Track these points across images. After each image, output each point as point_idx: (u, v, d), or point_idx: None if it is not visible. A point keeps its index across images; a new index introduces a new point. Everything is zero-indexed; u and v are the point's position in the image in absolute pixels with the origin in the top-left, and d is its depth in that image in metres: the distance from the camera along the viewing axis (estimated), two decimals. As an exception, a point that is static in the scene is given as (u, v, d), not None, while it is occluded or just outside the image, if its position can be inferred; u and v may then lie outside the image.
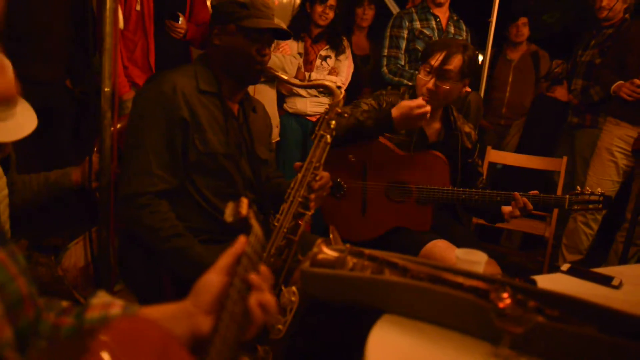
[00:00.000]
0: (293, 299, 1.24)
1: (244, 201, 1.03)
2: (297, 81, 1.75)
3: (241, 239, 0.81)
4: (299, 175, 1.38)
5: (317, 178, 1.37)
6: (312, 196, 1.35)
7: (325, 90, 1.43)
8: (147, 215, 1.42)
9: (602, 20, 3.08)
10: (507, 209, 1.90)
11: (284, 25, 1.69)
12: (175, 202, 1.49)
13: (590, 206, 1.88)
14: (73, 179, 1.52)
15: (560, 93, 3.28)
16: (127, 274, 1.58)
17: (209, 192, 1.52)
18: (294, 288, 1.25)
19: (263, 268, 0.79)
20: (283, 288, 1.25)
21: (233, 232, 0.91)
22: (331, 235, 1.30)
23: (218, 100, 1.55)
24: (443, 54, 1.85)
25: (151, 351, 0.61)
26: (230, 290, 0.75)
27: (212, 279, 0.77)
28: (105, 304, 0.78)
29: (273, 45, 2.84)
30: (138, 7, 2.22)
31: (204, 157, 1.49)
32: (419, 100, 1.78)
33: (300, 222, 1.35)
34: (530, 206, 1.82)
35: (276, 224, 1.35)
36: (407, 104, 1.78)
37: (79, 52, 2.58)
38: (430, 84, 1.86)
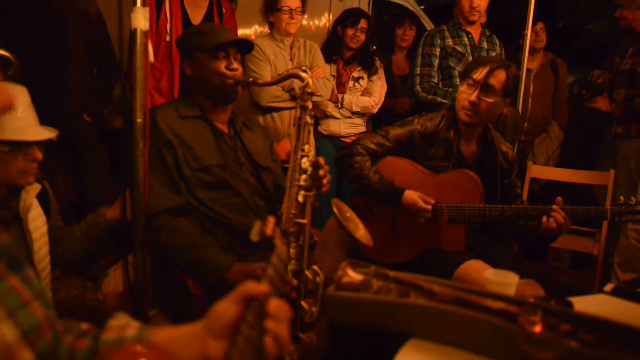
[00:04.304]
0: (318, 279, 1.26)
1: (271, 221, 1.04)
2: (267, 79, 1.81)
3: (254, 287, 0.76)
4: (290, 160, 1.40)
5: (310, 158, 1.38)
6: (311, 173, 1.36)
7: (293, 76, 1.48)
8: (163, 235, 1.53)
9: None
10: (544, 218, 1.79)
11: (251, 40, 1.81)
12: (194, 220, 1.59)
13: None
14: (108, 217, 1.57)
15: (603, 104, 3.13)
16: (161, 299, 1.62)
17: (215, 204, 1.61)
18: (315, 268, 1.27)
19: (281, 303, 0.76)
20: (306, 272, 1.27)
21: (255, 246, 0.92)
22: (335, 209, 1.29)
23: (203, 121, 1.68)
24: (487, 68, 1.85)
25: None
26: (246, 316, 0.74)
27: (227, 308, 0.75)
28: (121, 326, 0.80)
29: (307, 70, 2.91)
30: (168, 38, 2.33)
31: (199, 173, 1.60)
32: (429, 207, 1.83)
33: (306, 204, 1.35)
34: (569, 223, 1.74)
35: (280, 212, 1.36)
36: (418, 203, 1.83)
37: (98, 85, 2.73)
38: (473, 97, 1.85)
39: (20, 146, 1.32)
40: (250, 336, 0.72)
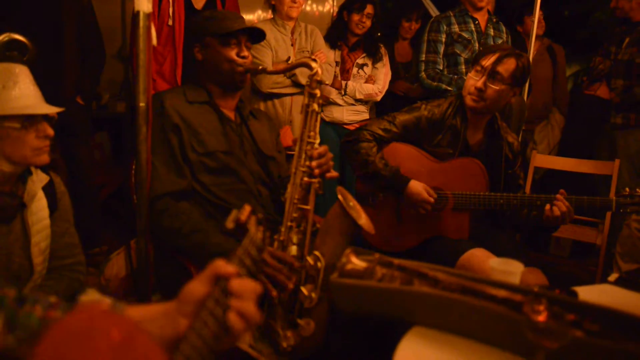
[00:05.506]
0: (319, 264, 1.27)
1: (247, 208, 1.05)
2: (279, 67, 1.78)
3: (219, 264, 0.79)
4: (297, 147, 1.42)
5: (315, 146, 1.40)
6: (314, 164, 1.37)
7: (303, 65, 1.48)
8: (166, 218, 1.52)
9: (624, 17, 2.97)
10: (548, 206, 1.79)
11: (255, 25, 1.83)
12: (197, 205, 1.58)
13: None
14: None
15: (603, 91, 3.09)
16: (163, 284, 1.62)
17: (218, 189, 1.60)
18: (317, 253, 1.28)
19: (245, 281, 0.78)
20: (308, 258, 1.28)
21: None
22: (340, 196, 1.30)
23: (210, 107, 1.68)
24: (496, 56, 1.84)
25: (112, 340, 0.62)
26: (213, 292, 0.76)
27: (197, 287, 0.77)
28: (94, 301, 0.80)
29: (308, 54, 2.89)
30: (170, 22, 2.31)
31: (204, 158, 1.59)
32: (431, 199, 1.83)
33: (310, 191, 1.36)
34: (572, 212, 1.74)
35: (283, 198, 1.37)
36: (422, 195, 1.82)
37: (86, 69, 2.72)
38: (480, 83, 1.84)
39: (31, 122, 1.31)
40: (215, 311, 0.74)
